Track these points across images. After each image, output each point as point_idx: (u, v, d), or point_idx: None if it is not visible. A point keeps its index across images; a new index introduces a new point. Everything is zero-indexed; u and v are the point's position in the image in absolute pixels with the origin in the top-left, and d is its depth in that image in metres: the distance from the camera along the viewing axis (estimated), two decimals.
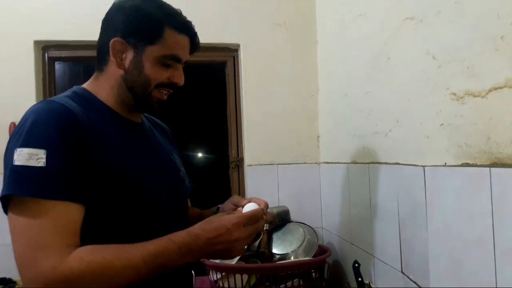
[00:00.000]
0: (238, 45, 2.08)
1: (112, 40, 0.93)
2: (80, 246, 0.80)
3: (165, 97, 1.00)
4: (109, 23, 0.96)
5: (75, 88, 0.98)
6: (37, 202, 0.77)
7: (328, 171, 1.96)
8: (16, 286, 1.80)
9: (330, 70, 1.93)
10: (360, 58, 1.53)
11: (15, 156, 0.77)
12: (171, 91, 1.00)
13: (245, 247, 0.93)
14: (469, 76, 0.90)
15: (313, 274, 1.65)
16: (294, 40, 2.09)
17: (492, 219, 0.80)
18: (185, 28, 0.97)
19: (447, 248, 0.96)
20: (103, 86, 0.97)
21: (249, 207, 0.95)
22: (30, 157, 0.77)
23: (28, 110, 0.85)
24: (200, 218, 1.02)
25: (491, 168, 0.81)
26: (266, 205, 1.01)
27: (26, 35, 1.92)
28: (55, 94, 2.07)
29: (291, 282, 1.55)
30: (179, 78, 0.99)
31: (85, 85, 0.99)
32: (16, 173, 0.77)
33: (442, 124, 0.99)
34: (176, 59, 0.97)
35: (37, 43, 1.95)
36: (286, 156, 2.07)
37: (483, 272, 0.83)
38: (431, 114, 1.04)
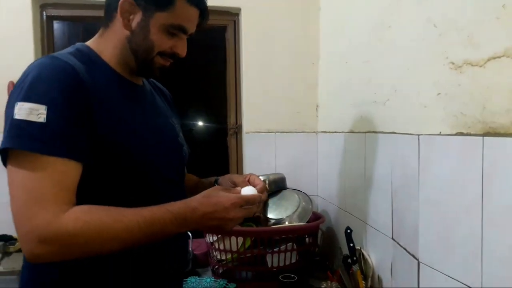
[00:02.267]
0: (239, 9, 2.04)
1: (122, 0, 0.91)
2: (77, 205, 0.80)
3: (168, 64, 1.00)
4: None
5: (78, 45, 0.96)
6: (36, 157, 0.77)
7: (326, 140, 1.97)
8: (17, 243, 1.85)
9: (332, 38, 1.91)
10: (361, 26, 1.51)
11: (16, 110, 0.77)
12: (172, 60, 1.00)
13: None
14: (468, 45, 0.89)
15: (307, 239, 1.70)
16: (296, 6, 2.06)
17: (481, 187, 0.82)
18: (197, 1, 0.96)
19: (437, 216, 0.98)
20: (107, 45, 0.96)
21: (247, 191, 0.97)
22: (31, 112, 0.77)
23: (30, 65, 0.84)
24: (197, 187, 1.04)
25: (484, 137, 0.82)
26: (263, 188, 1.04)
27: None
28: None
29: (285, 246, 1.59)
30: (182, 49, 0.99)
31: (89, 43, 0.98)
32: (16, 127, 0.77)
33: (439, 94, 0.99)
34: (183, 30, 0.96)
35: (35, 1, 1.91)
36: (285, 124, 2.08)
37: (470, 240, 0.85)
38: (429, 83, 1.04)
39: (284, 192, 1.88)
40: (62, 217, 0.77)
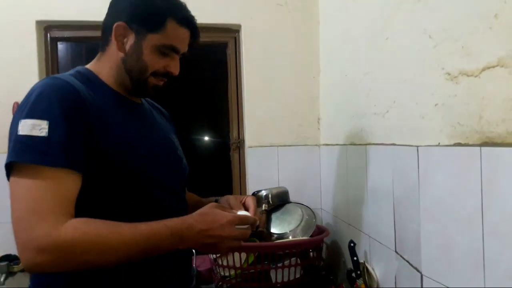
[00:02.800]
0: (240, 26, 2.06)
1: (115, 24, 0.96)
2: (76, 217, 0.82)
3: (161, 83, 1.03)
4: (115, 6, 1.00)
5: (78, 68, 1.01)
6: (37, 169, 0.80)
7: (328, 153, 1.97)
8: (20, 263, 1.85)
9: (332, 51, 1.92)
10: (360, 38, 1.52)
11: (20, 127, 0.81)
12: (165, 80, 1.03)
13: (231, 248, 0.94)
14: (463, 55, 0.89)
15: (311, 253, 1.68)
16: (295, 21, 2.07)
17: (481, 197, 0.81)
18: (187, 22, 1.00)
19: (438, 228, 0.97)
20: (104, 67, 1.00)
21: (242, 214, 0.99)
22: (33, 127, 0.81)
23: (34, 85, 0.88)
24: (197, 206, 1.04)
25: (481, 148, 0.81)
26: (255, 210, 1.06)
27: (29, 15, 1.92)
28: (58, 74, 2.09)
29: (289, 261, 1.58)
30: (175, 68, 1.02)
31: (88, 66, 1.03)
32: (20, 142, 0.81)
33: (436, 104, 0.99)
34: (174, 49, 1.00)
35: (39, 23, 1.95)
36: (287, 137, 2.08)
37: (472, 250, 0.84)
38: (426, 94, 1.04)
39: (287, 206, 1.87)
40: (61, 227, 0.78)
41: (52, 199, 0.80)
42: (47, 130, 0.81)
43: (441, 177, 0.95)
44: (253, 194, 1.91)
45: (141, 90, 1.02)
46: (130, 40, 0.97)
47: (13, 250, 1.87)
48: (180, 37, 1.00)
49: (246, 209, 1.07)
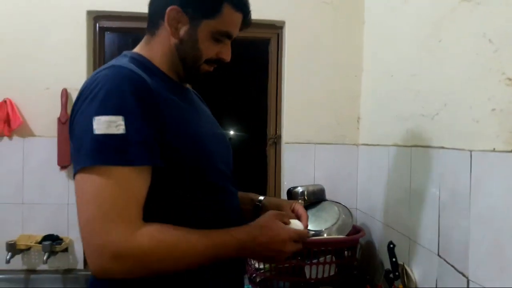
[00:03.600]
0: (284, 22, 2.07)
1: (169, 8, 0.91)
2: (146, 213, 0.80)
3: (212, 69, 1.00)
4: None
5: (128, 53, 0.97)
6: (111, 169, 0.76)
7: (367, 153, 1.96)
8: (63, 243, 1.92)
9: (376, 51, 1.91)
10: (409, 39, 1.50)
11: (95, 125, 0.77)
12: (216, 65, 1.01)
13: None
14: None
15: (346, 252, 1.68)
16: (340, 19, 2.07)
17: None
18: (243, 6, 0.97)
19: (489, 234, 0.96)
20: (156, 52, 0.97)
21: (297, 225, 1.00)
22: (109, 124, 0.77)
23: (96, 77, 0.83)
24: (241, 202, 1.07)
25: None
26: (307, 220, 1.08)
27: (79, 5, 1.98)
28: (105, 63, 2.14)
29: (323, 258, 1.59)
30: (227, 54, 1.00)
31: (137, 50, 0.98)
32: (98, 142, 0.76)
33: (493, 109, 0.98)
34: (228, 35, 0.97)
35: (89, 13, 2.01)
36: (325, 135, 2.08)
37: None
38: (482, 98, 1.02)
39: (324, 203, 1.87)
40: (137, 233, 0.77)
41: (127, 202, 0.77)
42: (124, 127, 0.77)
43: (496, 183, 0.94)
44: (289, 190, 1.93)
45: (194, 77, 1.00)
46: (184, 26, 0.93)
47: (55, 231, 1.96)
48: (234, 22, 0.96)
49: (297, 216, 1.08)
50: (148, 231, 0.78)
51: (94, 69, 2.08)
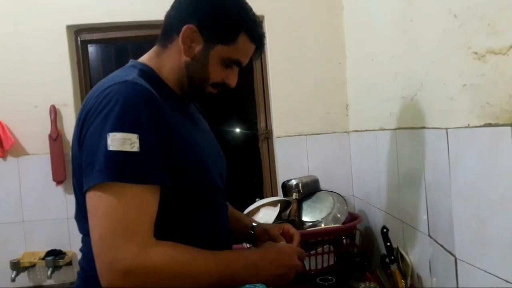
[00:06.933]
0: (263, 16, 2.06)
1: (186, 26, 0.92)
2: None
3: (215, 91, 1.00)
4: (186, 4, 0.95)
5: (137, 65, 0.96)
6: (124, 186, 0.76)
7: (358, 139, 1.95)
8: (66, 257, 1.95)
9: (357, 36, 1.89)
10: (384, 21, 1.49)
11: (109, 142, 0.76)
12: (220, 89, 1.01)
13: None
14: (490, 33, 0.86)
15: (344, 240, 1.68)
16: (319, 7, 2.06)
17: None
18: (259, 40, 0.98)
19: (471, 211, 0.95)
20: (165, 65, 0.97)
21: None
22: (124, 142, 0.76)
23: (108, 91, 0.82)
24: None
25: None
26: (299, 240, 1.12)
27: (59, 21, 1.99)
28: (90, 77, 2.16)
29: (321, 248, 1.59)
30: (233, 80, 1.00)
31: (146, 61, 0.98)
32: (113, 160, 0.76)
33: (464, 85, 0.97)
34: (238, 64, 0.98)
35: (69, 27, 2.02)
36: (315, 126, 2.07)
37: (507, 233, 0.82)
38: (454, 75, 1.01)
39: (318, 194, 1.88)
40: (149, 250, 0.76)
41: (139, 219, 0.77)
42: (138, 145, 0.77)
43: (472, 159, 0.93)
44: (283, 184, 1.93)
45: (197, 96, 1.00)
46: (197, 46, 0.93)
47: (57, 246, 1.98)
48: (247, 53, 0.98)
49: (289, 236, 1.12)
50: (162, 249, 0.78)
51: (80, 83, 2.10)
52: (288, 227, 1.14)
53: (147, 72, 0.93)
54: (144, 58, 1.00)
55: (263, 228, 1.16)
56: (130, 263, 0.74)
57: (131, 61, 0.99)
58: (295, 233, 1.12)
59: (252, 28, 0.96)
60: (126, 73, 0.90)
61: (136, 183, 0.77)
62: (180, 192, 0.87)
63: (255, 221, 1.22)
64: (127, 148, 0.76)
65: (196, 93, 0.99)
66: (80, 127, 0.85)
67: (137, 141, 0.77)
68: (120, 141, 0.76)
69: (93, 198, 0.78)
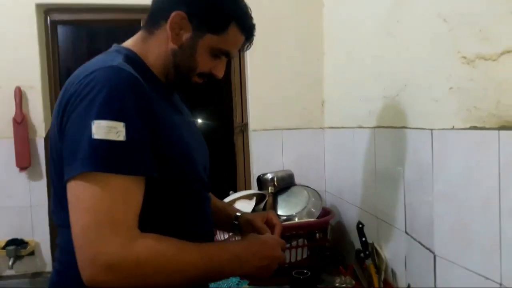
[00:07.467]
0: None
1: (175, 12, 0.89)
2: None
3: (201, 81, 0.98)
4: None
5: (122, 50, 0.92)
6: (108, 176, 0.73)
7: (333, 136, 1.98)
8: (28, 247, 1.86)
9: (336, 34, 1.91)
10: (368, 21, 1.51)
11: (94, 129, 0.73)
12: (206, 79, 0.98)
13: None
14: (481, 39, 0.90)
15: (317, 234, 1.71)
16: (299, 3, 2.06)
17: (499, 181, 0.83)
18: (249, 31, 0.96)
19: (452, 210, 0.99)
20: (151, 52, 0.94)
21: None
22: (109, 130, 0.73)
23: (92, 76, 0.78)
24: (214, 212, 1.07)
25: (499, 131, 0.83)
26: (281, 229, 1.11)
27: None
28: (59, 59, 2.06)
29: (296, 242, 1.60)
30: (221, 71, 0.98)
31: (131, 46, 0.94)
32: (97, 148, 0.73)
33: (451, 88, 1.00)
34: (227, 54, 0.96)
35: (39, 6, 1.91)
36: (291, 121, 2.08)
37: (488, 232, 0.86)
38: (440, 77, 1.04)
39: (293, 188, 1.89)
40: (134, 243, 0.74)
41: (124, 211, 0.74)
42: (124, 134, 0.74)
43: (456, 160, 0.97)
44: (259, 177, 1.93)
45: (183, 86, 0.98)
46: (186, 34, 0.91)
47: (19, 235, 1.89)
48: (237, 44, 0.96)
49: (271, 226, 1.12)
50: (147, 241, 0.76)
51: (48, 65, 2.00)
52: (272, 215, 1.14)
53: (132, 58, 0.90)
54: (128, 43, 0.96)
55: (247, 219, 1.15)
56: (114, 257, 0.72)
57: (115, 46, 0.96)
58: (277, 224, 1.12)
59: (243, 19, 0.94)
60: (111, 58, 0.87)
61: (122, 173, 0.74)
62: (166, 183, 0.85)
63: (238, 210, 1.21)
64: (112, 137, 0.73)
65: (181, 82, 0.97)
66: (61, 113, 0.80)
67: (123, 129, 0.74)
68: (106, 129, 0.73)
69: (75, 188, 0.74)
